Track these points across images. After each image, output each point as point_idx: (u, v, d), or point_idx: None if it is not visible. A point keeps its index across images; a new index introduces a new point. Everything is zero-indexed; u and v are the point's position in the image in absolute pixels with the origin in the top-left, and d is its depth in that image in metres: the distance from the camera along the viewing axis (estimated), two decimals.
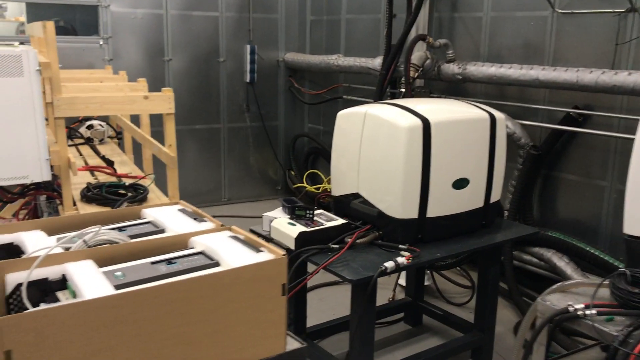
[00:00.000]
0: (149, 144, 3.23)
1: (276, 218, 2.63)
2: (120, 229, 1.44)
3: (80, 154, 3.79)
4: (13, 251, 1.35)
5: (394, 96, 4.41)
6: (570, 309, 1.67)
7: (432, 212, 2.53)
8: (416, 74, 4.01)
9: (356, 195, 2.64)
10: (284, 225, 2.53)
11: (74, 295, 1.13)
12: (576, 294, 1.81)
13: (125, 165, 3.65)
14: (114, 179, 3.26)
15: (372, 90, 4.91)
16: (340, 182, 2.74)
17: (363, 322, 2.39)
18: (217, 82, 5.56)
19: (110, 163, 3.45)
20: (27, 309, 1.15)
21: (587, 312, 1.66)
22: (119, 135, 4.46)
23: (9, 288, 1.15)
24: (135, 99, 2.82)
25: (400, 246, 2.47)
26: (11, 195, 2.89)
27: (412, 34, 4.07)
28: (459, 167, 2.57)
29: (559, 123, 3.59)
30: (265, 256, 1.24)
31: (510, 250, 3.60)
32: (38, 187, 2.92)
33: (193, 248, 1.34)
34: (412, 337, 3.27)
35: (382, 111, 2.53)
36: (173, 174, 2.97)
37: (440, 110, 2.60)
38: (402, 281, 3.66)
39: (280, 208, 2.78)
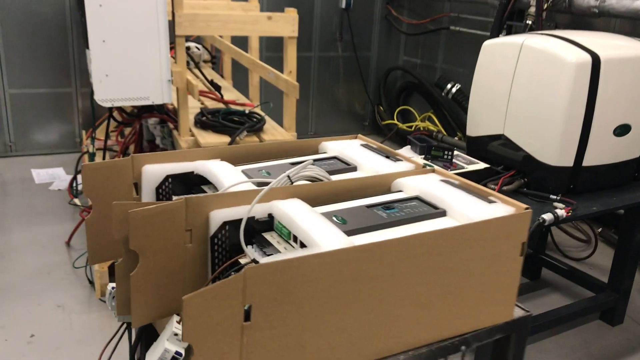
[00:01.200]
0: (261, 70, 3.02)
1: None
2: (295, 163, 1.25)
3: None
4: (196, 183, 1.19)
5: (510, 30, 4.04)
6: None
7: (588, 160, 2.25)
8: (546, 5, 3.62)
9: (499, 137, 2.39)
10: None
11: (289, 237, 0.95)
12: None
13: (227, 91, 3.48)
14: (221, 105, 3.09)
15: (483, 22, 4.53)
16: (480, 121, 2.48)
17: None
18: (311, 7, 5.26)
19: (217, 88, 3.28)
20: (237, 251, 0.98)
21: None
22: (213, 60, 4.28)
23: (214, 227, 0.98)
24: (259, 19, 2.59)
25: (552, 196, 2.22)
26: (127, 116, 2.77)
27: None
28: (623, 112, 2.27)
29: None
30: (500, 209, 1.02)
31: None
32: (151, 109, 2.79)
33: (400, 191, 1.14)
34: (531, 292, 3.06)
35: (543, 43, 2.22)
36: (291, 103, 2.77)
37: (609, 45, 2.27)
38: None
39: (408, 147, 2.56)
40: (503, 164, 2.39)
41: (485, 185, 2.26)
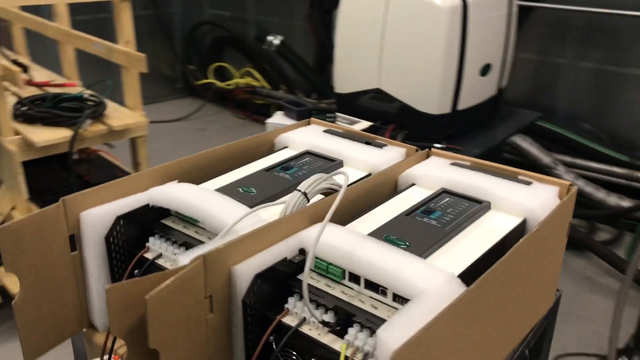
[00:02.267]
0: (80, 41, 2.52)
1: (285, 125, 2.22)
2: (283, 168, 1.00)
3: None
4: (154, 217, 0.88)
5: None
6: None
7: (462, 104, 2.28)
8: None
9: (375, 91, 2.30)
10: None
11: (342, 277, 0.73)
12: None
13: (35, 72, 2.88)
14: (37, 91, 2.54)
15: None
16: (351, 77, 2.36)
17: None
18: None
19: (25, 68, 2.69)
20: (274, 310, 0.73)
21: None
22: None
23: (243, 285, 0.72)
24: None
25: (437, 145, 2.22)
26: None
27: None
28: (485, 52, 2.32)
29: None
30: (544, 190, 0.90)
31: None
32: None
33: (414, 185, 0.96)
34: None
35: None
36: (134, 79, 2.37)
37: None
38: None
39: (280, 113, 2.36)
40: (379, 119, 2.32)
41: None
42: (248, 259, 0.73)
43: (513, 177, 0.94)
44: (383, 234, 0.80)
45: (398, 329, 0.60)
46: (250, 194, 0.90)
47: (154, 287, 0.64)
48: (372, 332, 0.68)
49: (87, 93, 2.38)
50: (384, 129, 2.26)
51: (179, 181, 0.92)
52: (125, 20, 2.29)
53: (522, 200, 0.86)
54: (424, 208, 0.87)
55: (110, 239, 0.84)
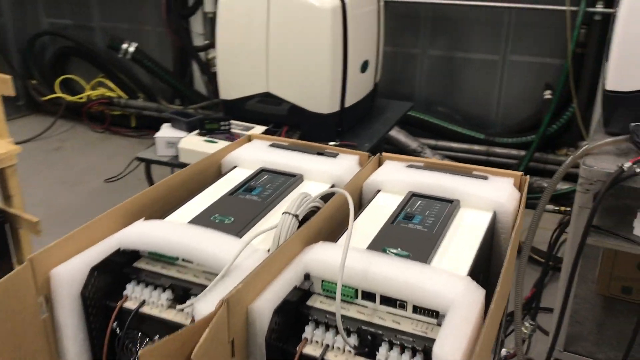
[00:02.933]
0: None
1: (179, 137, 2.13)
2: (246, 190, 0.97)
3: None
4: (125, 262, 0.80)
5: None
6: (627, 167, 1.64)
7: (348, 100, 2.34)
8: None
9: (265, 95, 2.28)
10: (204, 145, 2.07)
11: (354, 296, 0.73)
12: (601, 155, 1.73)
13: None
14: None
15: None
16: (237, 83, 2.32)
17: None
18: None
19: None
20: (292, 342, 0.70)
21: None
22: None
23: (264, 320, 0.69)
24: None
25: (332, 143, 2.26)
26: None
27: None
28: (362, 49, 2.40)
29: None
30: (500, 182, 0.97)
31: None
32: None
33: (380, 191, 0.98)
34: None
35: None
36: None
37: None
38: None
39: (167, 125, 2.26)
40: (269, 122, 2.31)
41: None
42: (262, 295, 0.70)
43: (468, 173, 1.00)
44: (380, 246, 0.81)
45: (451, 344, 0.62)
46: (228, 222, 0.86)
47: (189, 342, 0.59)
48: (403, 349, 0.68)
49: None
50: (279, 131, 2.25)
51: (145, 218, 0.85)
52: None
53: (489, 195, 0.92)
54: (404, 214, 0.89)
55: (86, 294, 0.76)
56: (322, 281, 0.76)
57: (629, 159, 1.73)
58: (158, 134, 2.17)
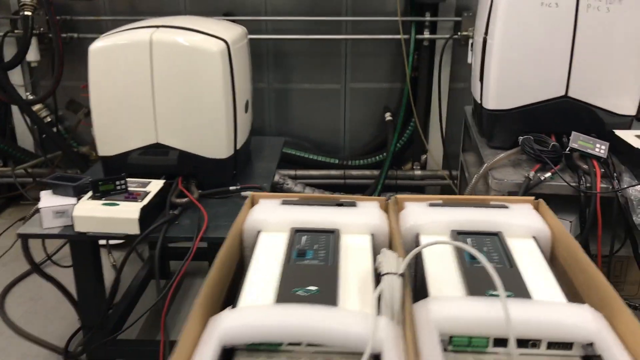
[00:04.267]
0: None
1: (69, 205, 1.90)
2: (299, 255, 0.91)
3: None
4: None
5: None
6: (532, 175, 1.85)
7: (239, 142, 2.29)
8: None
9: (154, 146, 2.13)
10: (104, 209, 1.87)
11: (487, 345, 0.72)
12: (500, 168, 1.91)
13: None
14: None
15: None
16: (118, 137, 2.13)
17: None
18: None
19: None
20: None
21: (545, 175, 1.89)
22: None
23: None
24: None
25: (233, 187, 2.18)
26: None
27: None
28: (245, 88, 2.37)
29: None
30: (523, 208, 1.03)
31: None
32: None
33: (418, 234, 0.98)
34: None
35: (173, 36, 2.05)
36: None
37: (218, 28, 2.27)
38: None
39: (47, 192, 2.00)
40: (157, 174, 2.15)
41: (169, 203, 2.01)
42: None
43: (487, 204, 1.05)
44: (483, 290, 0.82)
45: None
46: (316, 293, 0.80)
47: None
48: None
49: None
50: (174, 182, 2.11)
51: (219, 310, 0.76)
52: None
53: (528, 223, 0.98)
54: (469, 254, 0.91)
55: None
56: (451, 337, 0.74)
57: (529, 169, 1.97)
58: (42, 204, 1.90)
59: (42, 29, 3.46)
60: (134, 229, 1.85)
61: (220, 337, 0.70)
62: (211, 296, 0.80)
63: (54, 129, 3.66)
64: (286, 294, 0.78)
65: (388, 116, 3.76)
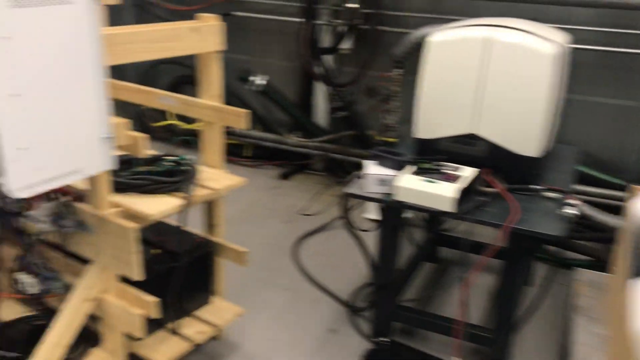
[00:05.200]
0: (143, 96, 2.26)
1: (391, 176, 2.14)
2: None
3: None
4: None
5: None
6: None
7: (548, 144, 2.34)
8: None
9: (468, 136, 2.29)
10: (424, 184, 2.07)
11: None
12: None
13: None
14: None
15: (273, 5, 4.30)
16: (439, 123, 2.32)
17: None
18: None
19: None
20: None
21: None
22: None
23: None
24: (180, 34, 1.90)
25: (535, 186, 2.24)
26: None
27: None
28: (561, 94, 2.41)
29: None
30: None
31: None
32: None
33: None
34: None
35: (513, 37, 2.17)
36: (216, 134, 2.19)
37: (549, 31, 2.34)
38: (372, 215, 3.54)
39: (372, 162, 2.27)
40: (462, 162, 2.29)
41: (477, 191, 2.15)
42: None
43: None
44: None
45: None
46: None
47: None
48: None
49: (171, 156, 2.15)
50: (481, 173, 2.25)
51: None
52: (214, 74, 2.09)
53: None
54: None
55: None
56: None
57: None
58: (369, 171, 2.18)
59: (356, 21, 3.86)
60: (449, 207, 2.03)
61: None
62: None
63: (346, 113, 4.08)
64: None
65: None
